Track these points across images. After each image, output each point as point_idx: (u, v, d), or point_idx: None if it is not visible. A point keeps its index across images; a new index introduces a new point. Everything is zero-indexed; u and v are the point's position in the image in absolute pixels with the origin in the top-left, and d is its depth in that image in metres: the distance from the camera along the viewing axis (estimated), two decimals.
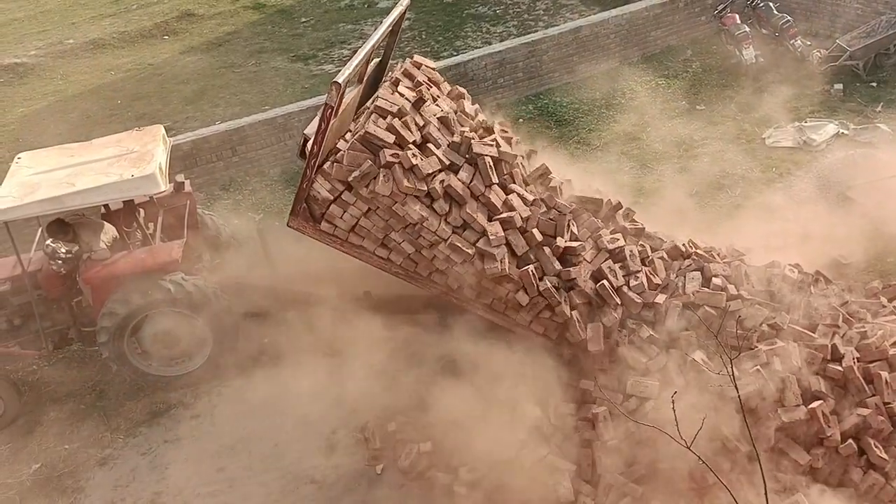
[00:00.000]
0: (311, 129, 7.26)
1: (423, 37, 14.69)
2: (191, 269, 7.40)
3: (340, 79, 5.88)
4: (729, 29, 11.88)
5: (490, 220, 6.36)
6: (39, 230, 7.57)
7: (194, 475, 6.74)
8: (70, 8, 18.56)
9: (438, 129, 6.58)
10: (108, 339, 7.12)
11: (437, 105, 6.82)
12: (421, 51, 14.16)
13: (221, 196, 10.41)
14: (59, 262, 7.15)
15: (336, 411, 6.89)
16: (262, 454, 6.79)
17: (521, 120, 11.35)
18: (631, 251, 6.56)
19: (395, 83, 6.96)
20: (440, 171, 6.33)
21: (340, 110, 6.18)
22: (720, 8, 12.22)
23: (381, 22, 6.98)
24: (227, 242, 8.31)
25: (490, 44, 13.42)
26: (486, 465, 5.98)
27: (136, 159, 7.12)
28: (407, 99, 6.63)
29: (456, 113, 6.92)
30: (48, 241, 7.16)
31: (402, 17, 7.35)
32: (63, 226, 7.17)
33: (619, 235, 6.69)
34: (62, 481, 6.90)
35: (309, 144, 6.39)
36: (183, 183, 8.11)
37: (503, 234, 6.30)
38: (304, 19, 16.19)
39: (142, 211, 7.59)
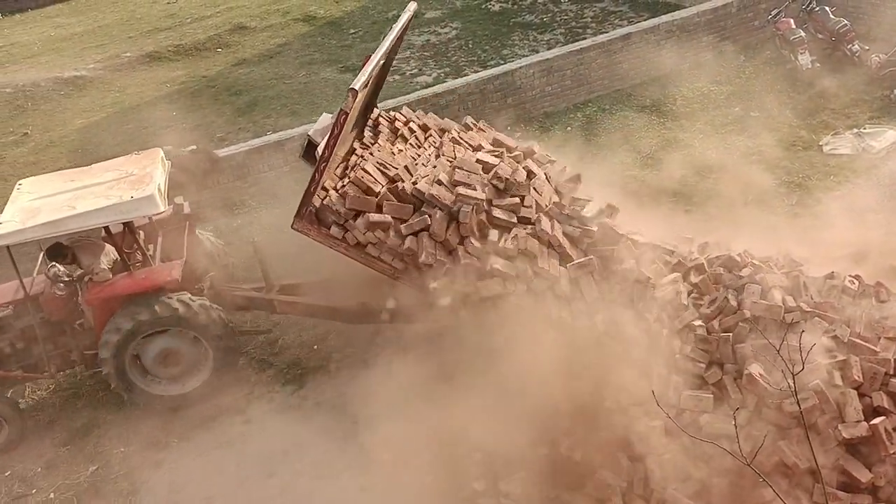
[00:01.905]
0: (314, 131, 7.34)
1: (470, 46, 14.74)
2: (191, 288, 7.49)
3: (357, 85, 6.02)
4: (784, 34, 11.62)
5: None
6: (41, 254, 7.63)
7: (246, 480, 6.83)
8: (127, 22, 19.17)
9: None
10: (109, 360, 7.19)
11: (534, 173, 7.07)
12: (468, 60, 14.22)
13: (272, 205, 10.57)
14: (62, 285, 7.27)
15: (383, 421, 6.89)
16: (312, 460, 6.85)
17: (569, 128, 11.29)
18: (677, 290, 6.44)
19: (476, 147, 7.15)
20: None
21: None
22: (774, 13, 11.97)
23: (391, 28, 7.10)
24: (225, 262, 8.47)
25: (537, 52, 13.40)
26: (536, 477, 5.92)
27: (135, 182, 7.20)
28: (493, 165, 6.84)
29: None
30: (51, 265, 7.26)
31: (409, 22, 7.52)
32: (62, 249, 7.30)
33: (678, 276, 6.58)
34: (118, 483, 7.07)
35: (320, 148, 6.41)
36: (182, 205, 8.23)
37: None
38: (352, 31, 16.40)
39: (142, 233, 7.71)
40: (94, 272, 7.19)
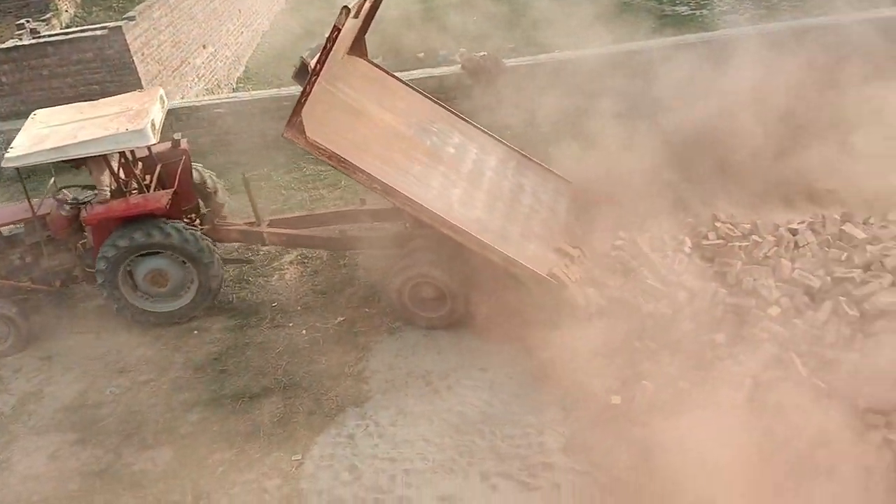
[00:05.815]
0: (308, 52, 7.75)
1: None
2: (180, 216, 8.29)
3: (350, 3, 6.52)
4: None
5: None
6: (51, 179, 8.74)
7: (460, 366, 7.29)
8: None
9: None
10: (104, 274, 8.01)
11: None
12: (791, 2, 12.78)
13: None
14: (67, 206, 8.20)
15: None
16: (522, 370, 7.08)
17: None
18: None
19: None
20: None
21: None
22: None
23: None
24: (221, 197, 9.20)
25: (877, 7, 11.61)
26: None
27: (133, 116, 7.94)
28: None
29: None
30: (61, 188, 8.27)
31: None
32: (80, 161, 8.09)
33: None
34: (357, 338, 7.91)
35: (311, 63, 6.97)
36: (179, 140, 8.85)
37: None
38: None
39: (140, 164, 8.58)
40: (96, 193, 8.14)
